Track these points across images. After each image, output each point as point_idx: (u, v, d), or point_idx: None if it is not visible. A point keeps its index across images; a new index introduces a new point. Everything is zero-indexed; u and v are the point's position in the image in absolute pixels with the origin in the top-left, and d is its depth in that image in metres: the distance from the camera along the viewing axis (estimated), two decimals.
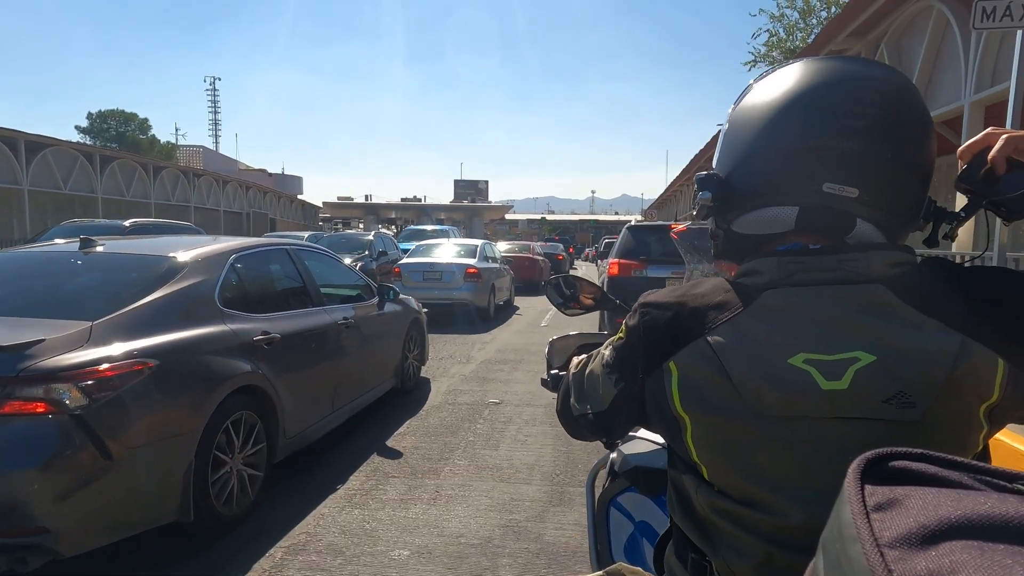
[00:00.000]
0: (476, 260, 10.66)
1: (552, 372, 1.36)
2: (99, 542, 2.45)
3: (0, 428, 2.27)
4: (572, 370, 1.00)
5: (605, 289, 7.35)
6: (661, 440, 1.30)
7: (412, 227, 19.50)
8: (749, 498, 0.73)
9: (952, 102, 7.92)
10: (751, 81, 0.90)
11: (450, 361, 7.08)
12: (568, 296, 1.56)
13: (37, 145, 18.85)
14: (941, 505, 0.33)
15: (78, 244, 3.40)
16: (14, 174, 18.16)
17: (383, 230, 24.09)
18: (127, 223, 9.47)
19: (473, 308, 10.31)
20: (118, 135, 49.36)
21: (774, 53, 19.19)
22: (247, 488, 3.16)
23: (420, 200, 65.81)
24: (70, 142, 20.54)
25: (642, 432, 1.42)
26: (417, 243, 12.63)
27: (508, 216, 64.18)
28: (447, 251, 11.24)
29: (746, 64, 20.04)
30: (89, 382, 2.42)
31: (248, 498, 3.16)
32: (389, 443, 4.30)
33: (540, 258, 17.87)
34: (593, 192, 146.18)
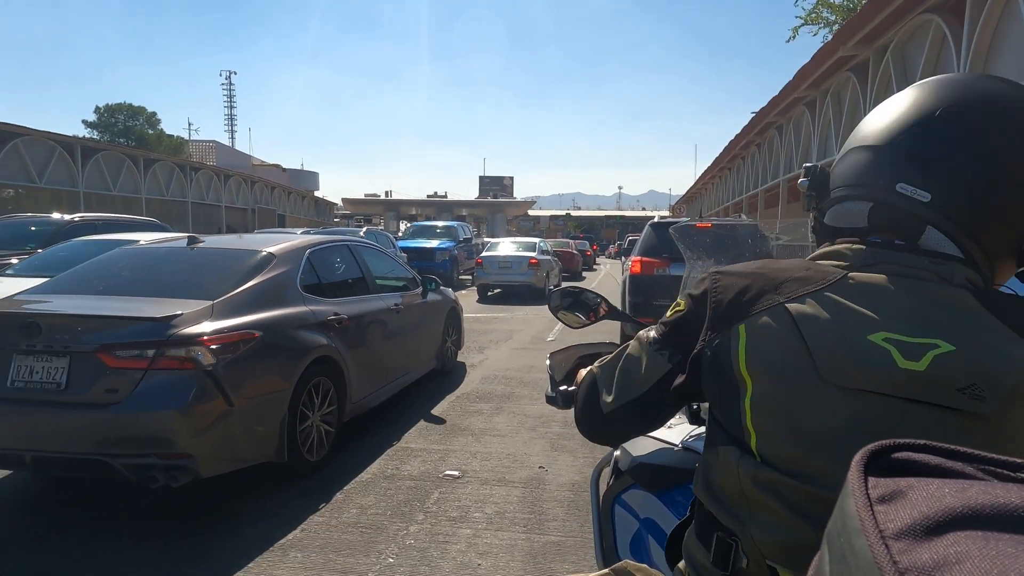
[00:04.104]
0: (536, 253, 14.42)
1: (560, 389, 1.32)
2: (225, 469, 3.18)
3: (156, 378, 3.00)
4: (596, 365, 0.99)
5: (627, 287, 7.60)
6: (664, 437, 1.37)
7: (418, 223, 20.32)
8: (796, 467, 0.73)
9: None
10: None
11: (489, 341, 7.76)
12: (569, 304, 1.59)
13: (5, 135, 17.55)
14: (945, 496, 0.33)
15: (187, 241, 4.17)
16: None
17: (375, 227, 24.04)
18: (72, 218, 8.40)
19: (534, 288, 13.75)
20: (125, 129, 47.89)
21: (824, 12, 18.26)
22: (324, 440, 3.87)
23: (444, 196, 65.64)
24: (44, 132, 19.13)
25: None
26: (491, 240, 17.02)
27: (531, 212, 64.38)
28: (515, 247, 14.85)
29: (792, 30, 19.09)
30: (216, 346, 3.14)
31: (325, 448, 3.87)
32: (433, 412, 5.01)
33: (576, 253, 22.86)
34: (620, 188, 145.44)
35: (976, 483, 0.34)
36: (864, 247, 0.79)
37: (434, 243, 15.88)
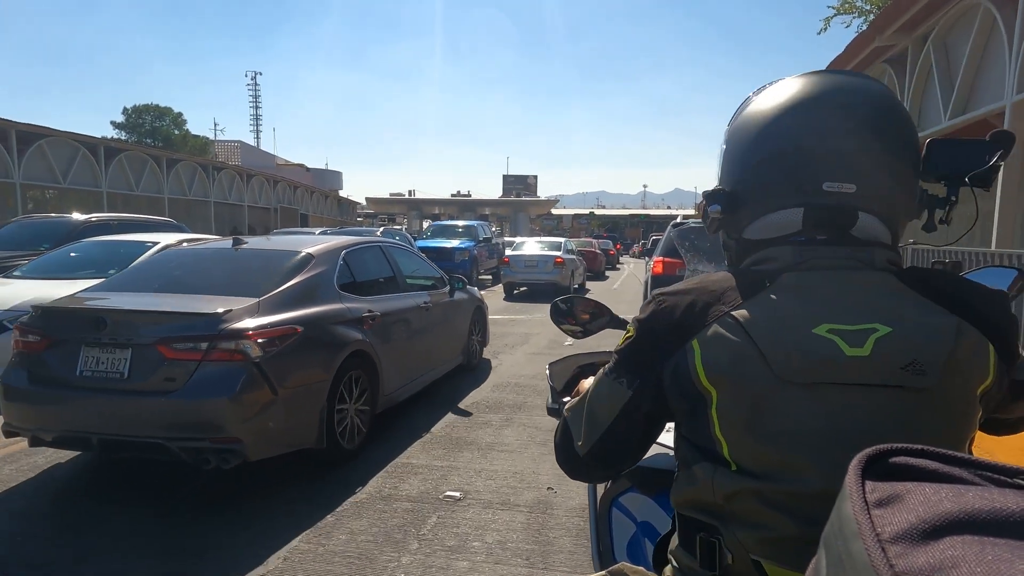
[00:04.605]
0: (561, 252, 14.88)
1: (563, 401, 1.33)
2: (270, 453, 3.45)
3: (209, 369, 3.28)
4: (568, 407, 0.99)
5: (650, 288, 7.58)
6: (664, 441, 1.36)
7: (438, 223, 20.47)
8: (770, 468, 0.75)
9: (994, 102, 8.14)
10: (750, 95, 0.95)
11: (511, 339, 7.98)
12: (567, 313, 1.59)
13: (30, 136, 17.72)
14: (942, 500, 0.33)
15: (231, 242, 4.46)
16: (5, 167, 17.02)
17: (395, 227, 24.13)
18: (88, 218, 8.44)
19: (560, 286, 13.97)
20: (152, 130, 48.61)
21: (859, 2, 17.55)
22: (359, 430, 4.12)
23: (468, 195, 65.76)
24: (68, 132, 19.28)
25: None
26: (518, 240, 17.69)
27: (554, 211, 64.32)
28: (541, 246, 15.40)
29: (824, 21, 18.20)
30: (262, 340, 3.41)
31: (359, 437, 4.12)
32: (460, 405, 5.24)
33: (599, 252, 22.97)
34: (645, 186, 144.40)
35: (973, 488, 0.34)
36: (790, 247, 0.84)
37: (453, 243, 16.03)
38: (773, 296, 0.80)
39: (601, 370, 0.94)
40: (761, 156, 0.87)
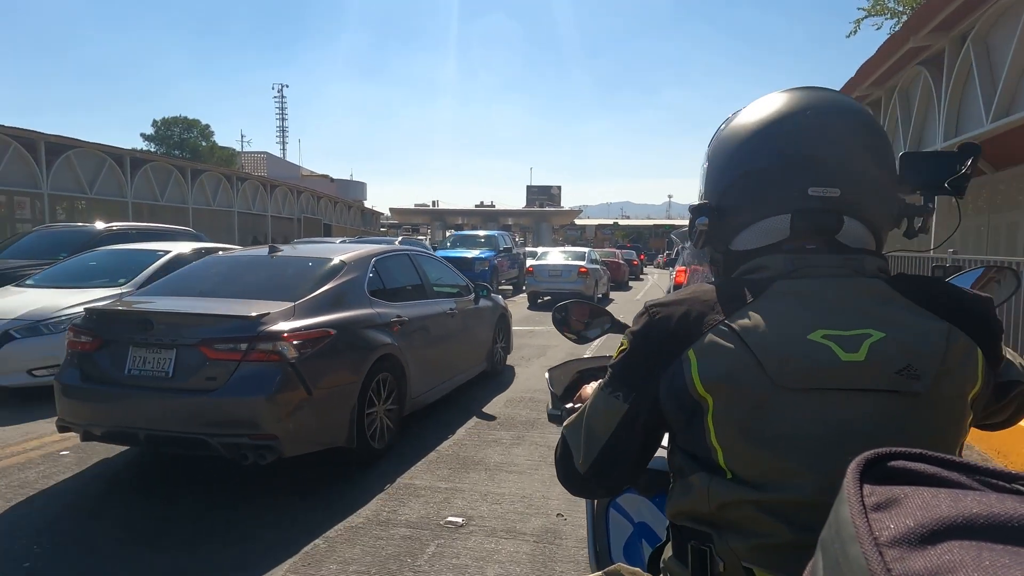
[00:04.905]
0: (585, 262, 15.14)
1: (565, 407, 1.32)
2: (304, 450, 3.61)
3: (247, 369, 3.46)
4: (566, 423, 0.98)
5: None
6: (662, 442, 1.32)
7: (458, 233, 20.55)
8: (764, 475, 0.76)
9: None
10: (729, 115, 0.98)
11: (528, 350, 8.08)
12: (562, 322, 1.59)
13: (58, 147, 18.14)
14: (940, 505, 0.33)
15: (268, 250, 4.68)
16: (34, 178, 17.46)
17: (419, 237, 24.09)
18: (103, 227, 8.60)
19: (584, 296, 13.83)
20: (180, 142, 49.43)
21: (890, 3, 16.84)
22: (387, 430, 4.26)
23: (491, 206, 66.05)
24: (95, 144, 19.70)
25: None
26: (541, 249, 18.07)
27: (578, 221, 64.33)
28: (564, 256, 15.67)
29: (854, 24, 17.38)
30: (298, 342, 3.58)
31: (388, 437, 4.26)
32: (484, 409, 5.37)
33: (623, 262, 22.81)
34: (670, 196, 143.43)
35: (971, 493, 0.34)
36: (782, 256, 0.85)
37: (473, 253, 15.94)
38: (767, 304, 0.81)
39: (597, 384, 0.94)
40: (746, 168, 0.89)
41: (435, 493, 3.62)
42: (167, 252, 6.75)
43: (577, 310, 1.61)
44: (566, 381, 1.43)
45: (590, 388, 1.18)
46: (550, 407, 1.38)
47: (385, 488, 3.67)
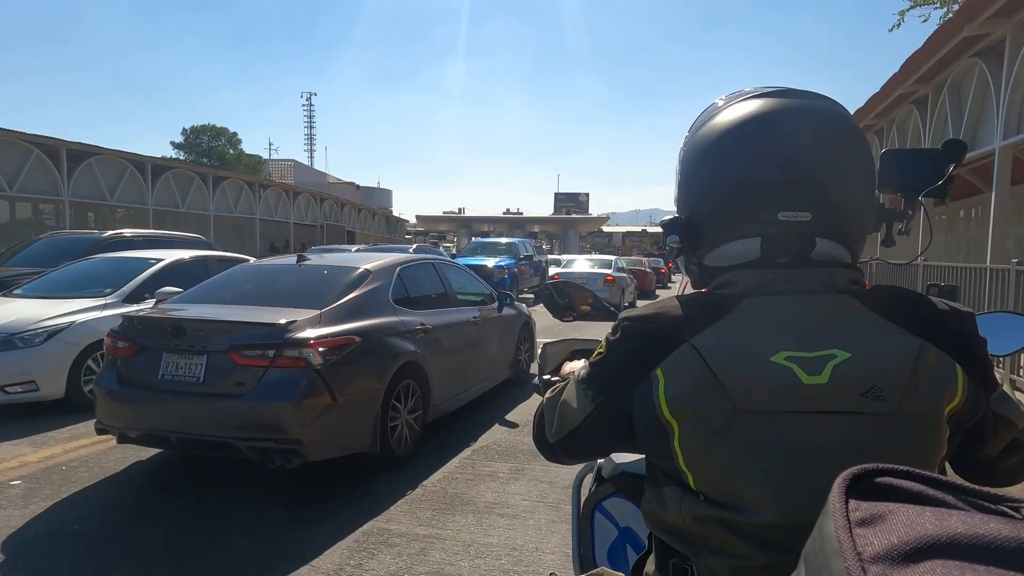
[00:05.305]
0: (612, 270, 15.27)
1: (544, 377, 1.38)
2: (329, 455, 3.69)
3: (275, 375, 3.55)
4: (547, 395, 1.01)
5: None
6: None
7: (477, 240, 20.42)
8: (732, 499, 0.75)
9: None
10: (703, 112, 0.95)
11: None
12: (562, 305, 1.60)
13: (80, 154, 18.23)
14: (924, 523, 0.33)
15: (296, 258, 4.80)
16: (55, 185, 17.52)
17: (446, 244, 23.93)
18: (107, 234, 8.52)
19: (611, 304, 13.04)
20: (208, 149, 49.80)
21: None
22: (411, 436, 4.32)
23: (519, 213, 65.91)
24: (116, 151, 19.83)
25: None
26: (566, 257, 18.37)
27: (605, 228, 63.98)
28: (591, 264, 16.07)
29: (898, 15, 16.12)
30: (323, 349, 3.67)
31: (411, 443, 4.32)
32: (507, 417, 5.40)
33: (649, 271, 22.78)
34: None
35: (956, 512, 0.34)
36: (750, 272, 0.84)
37: (492, 261, 15.54)
38: (732, 323, 0.80)
39: (579, 370, 0.95)
40: (714, 187, 0.88)
41: (411, 543, 3.11)
42: (160, 260, 6.46)
43: (578, 293, 1.61)
44: (560, 357, 1.45)
45: (571, 365, 1.22)
46: (537, 380, 1.40)
47: (353, 533, 3.18)
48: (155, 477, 4.02)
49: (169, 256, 6.71)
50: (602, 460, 1.46)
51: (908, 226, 0.90)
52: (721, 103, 0.92)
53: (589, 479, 1.55)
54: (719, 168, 0.87)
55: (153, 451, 4.27)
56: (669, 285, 28.48)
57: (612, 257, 17.00)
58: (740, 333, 0.79)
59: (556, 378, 1.32)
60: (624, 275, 16.08)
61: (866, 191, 0.87)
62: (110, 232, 8.60)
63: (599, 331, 1.01)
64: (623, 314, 0.91)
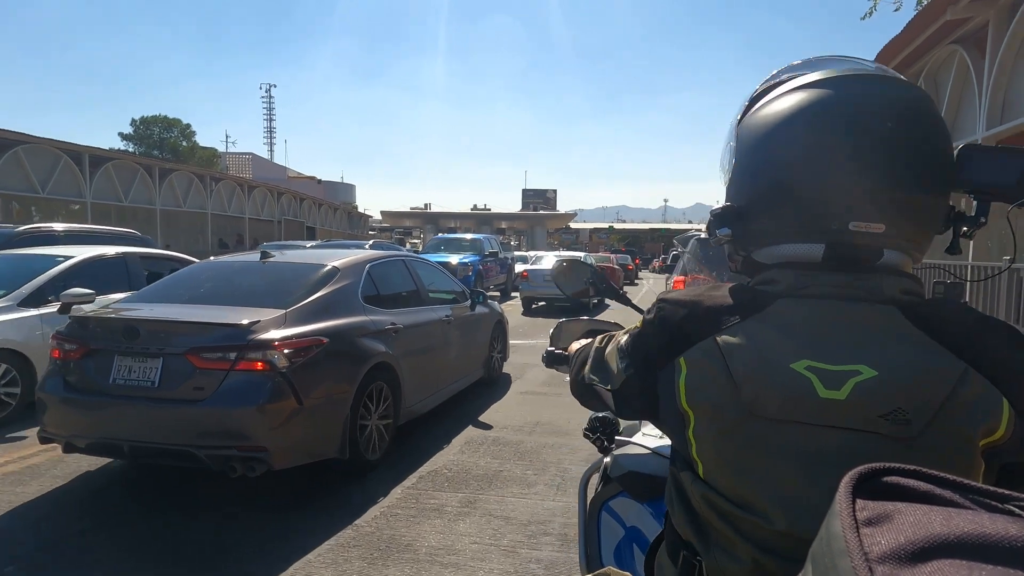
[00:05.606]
0: None
1: (549, 349, 1.42)
2: (295, 463, 3.50)
3: (236, 378, 3.35)
4: (596, 343, 1.01)
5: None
6: (654, 446, 1.38)
7: (440, 236, 19.74)
8: (739, 499, 0.74)
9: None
10: (768, 81, 0.88)
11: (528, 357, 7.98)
12: (602, 288, 1.61)
13: (5, 142, 16.94)
14: (932, 522, 0.33)
15: (260, 255, 4.57)
16: None
17: (413, 241, 23.15)
18: (22, 228, 7.66)
19: (580, 302, 13.38)
20: (160, 141, 47.56)
21: None
22: (382, 440, 4.16)
23: (487, 209, 65.54)
24: (48, 139, 18.31)
25: (636, 438, 1.44)
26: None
27: (573, 224, 64.17)
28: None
29: (871, 3, 16.57)
30: (289, 350, 3.48)
31: (382, 448, 4.15)
32: (480, 418, 5.27)
33: (617, 267, 22.36)
34: (666, 200, 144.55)
35: (963, 511, 0.34)
36: (792, 272, 0.79)
37: (456, 258, 15.00)
38: (761, 323, 0.77)
39: (622, 335, 0.94)
40: (779, 183, 0.79)
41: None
42: (69, 258, 5.72)
43: (585, 271, 1.64)
44: (573, 337, 1.46)
45: (578, 344, 1.23)
46: (544, 354, 1.44)
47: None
48: (101, 490, 3.77)
49: (82, 253, 5.90)
50: (608, 460, 1.46)
51: (973, 233, 0.83)
52: (789, 77, 0.83)
53: (595, 479, 1.55)
54: (784, 163, 0.79)
55: (102, 461, 4.02)
56: (637, 281, 28.76)
57: (580, 254, 16.88)
58: (766, 334, 0.76)
59: (562, 351, 1.39)
60: None
61: (943, 196, 0.80)
62: (25, 227, 7.67)
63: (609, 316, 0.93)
64: (661, 295, 0.89)
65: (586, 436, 1.50)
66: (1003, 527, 0.32)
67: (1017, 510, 0.35)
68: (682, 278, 6.83)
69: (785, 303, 0.77)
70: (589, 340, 1.07)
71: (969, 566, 0.30)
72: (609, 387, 0.93)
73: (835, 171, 0.76)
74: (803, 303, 0.77)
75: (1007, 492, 0.36)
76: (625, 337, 0.92)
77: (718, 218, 0.86)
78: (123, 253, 6.30)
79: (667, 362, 0.81)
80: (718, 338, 0.77)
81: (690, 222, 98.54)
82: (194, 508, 3.47)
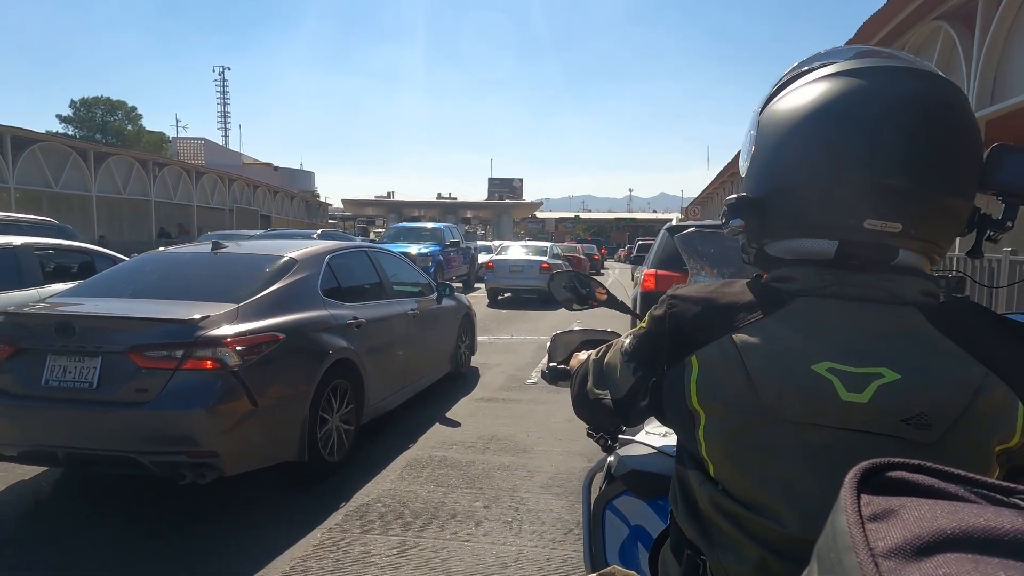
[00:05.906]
0: (548, 257, 14.68)
1: (551, 365, 1.40)
2: (248, 467, 3.28)
3: (184, 378, 3.10)
4: (593, 356, 1.01)
5: (639, 307, 6.94)
6: (658, 444, 1.37)
7: (399, 225, 18.76)
8: (751, 500, 0.73)
9: None
10: (793, 72, 0.85)
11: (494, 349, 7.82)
12: (583, 295, 1.62)
13: None
14: (937, 517, 0.33)
15: (211, 246, 4.28)
16: None
17: (376, 230, 21.70)
18: None
19: (546, 293, 12.81)
20: (103, 125, 44.96)
21: None
22: (343, 441, 3.96)
23: (452, 198, 64.63)
24: None
25: (639, 436, 1.44)
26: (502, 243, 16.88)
27: (539, 214, 64.01)
28: (526, 251, 15.16)
29: None
30: (241, 347, 3.24)
31: (344, 449, 3.95)
32: (448, 415, 5.10)
33: (583, 257, 22.70)
34: (631, 190, 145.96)
35: (969, 506, 0.34)
36: (813, 269, 0.77)
37: (416, 248, 14.44)
38: (779, 322, 0.75)
39: (623, 339, 0.93)
40: (795, 175, 0.77)
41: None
42: None
43: (597, 286, 1.63)
44: (570, 348, 1.46)
45: (582, 355, 1.19)
46: (544, 367, 1.43)
47: None
48: (33, 501, 3.48)
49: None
50: (612, 459, 1.45)
51: (1000, 235, 0.79)
52: (817, 66, 0.80)
53: (599, 478, 1.55)
54: (811, 157, 0.76)
55: (37, 470, 3.71)
56: (603, 271, 28.90)
57: (547, 244, 16.66)
58: (785, 334, 0.74)
59: (563, 366, 1.37)
60: (559, 262, 15.87)
61: (968, 197, 0.76)
62: None
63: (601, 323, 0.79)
64: (671, 291, 0.86)
65: (589, 436, 1.46)
66: (1009, 521, 0.32)
67: (1022, 503, 0.35)
68: (653, 271, 6.56)
69: (804, 302, 0.76)
70: (588, 354, 1.06)
71: (975, 560, 0.30)
72: (615, 396, 0.91)
73: (852, 166, 0.73)
74: (822, 303, 0.75)
75: (1012, 486, 0.36)
76: (628, 339, 0.91)
77: (732, 208, 0.83)
78: (13, 245, 5.35)
79: (676, 360, 0.80)
80: (734, 337, 0.75)
81: (654, 211, 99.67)
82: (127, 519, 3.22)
